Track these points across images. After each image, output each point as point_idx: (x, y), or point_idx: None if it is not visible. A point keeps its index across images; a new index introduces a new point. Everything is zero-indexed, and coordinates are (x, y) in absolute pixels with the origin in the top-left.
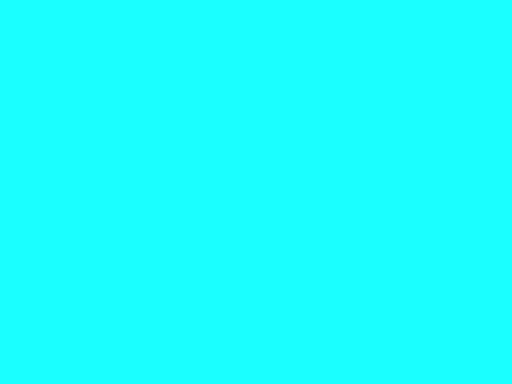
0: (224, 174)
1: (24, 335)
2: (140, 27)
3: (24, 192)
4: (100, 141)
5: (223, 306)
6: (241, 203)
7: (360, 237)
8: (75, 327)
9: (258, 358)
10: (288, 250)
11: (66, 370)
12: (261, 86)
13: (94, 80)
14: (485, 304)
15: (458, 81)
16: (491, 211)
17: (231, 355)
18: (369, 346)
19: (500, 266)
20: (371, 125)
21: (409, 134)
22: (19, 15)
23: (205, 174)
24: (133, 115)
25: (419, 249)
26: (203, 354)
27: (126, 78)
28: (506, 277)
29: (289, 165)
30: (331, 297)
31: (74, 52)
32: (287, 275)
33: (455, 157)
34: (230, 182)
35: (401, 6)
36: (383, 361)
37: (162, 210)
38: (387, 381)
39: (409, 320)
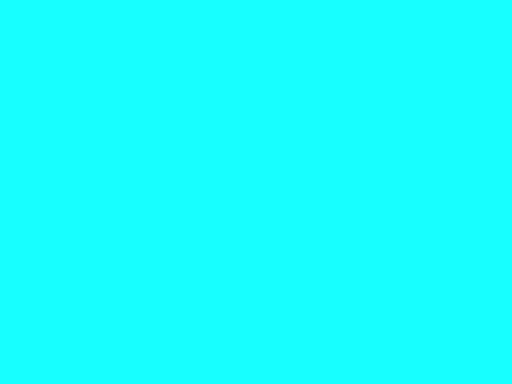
0: (224, 174)
1: (24, 335)
2: (140, 27)
3: (24, 192)
4: (100, 141)
5: (223, 306)
6: (241, 203)
7: (360, 237)
8: (75, 327)
9: (258, 358)
10: (288, 250)
11: (66, 370)
12: (261, 86)
13: (94, 80)
14: (485, 304)
15: (458, 81)
16: (491, 211)
17: (231, 355)
18: (369, 346)
19: (500, 266)
20: (371, 125)
21: (409, 134)
22: (19, 15)
23: (205, 173)
24: (133, 115)
25: (419, 249)
26: (203, 354)
27: (126, 78)
28: (506, 277)
29: (289, 165)
30: (331, 297)
31: (74, 52)
32: (287, 275)
33: (455, 157)
34: (229, 182)
35: (401, 6)
36: (383, 361)
37: (162, 210)
38: (387, 381)
39: (409, 320)
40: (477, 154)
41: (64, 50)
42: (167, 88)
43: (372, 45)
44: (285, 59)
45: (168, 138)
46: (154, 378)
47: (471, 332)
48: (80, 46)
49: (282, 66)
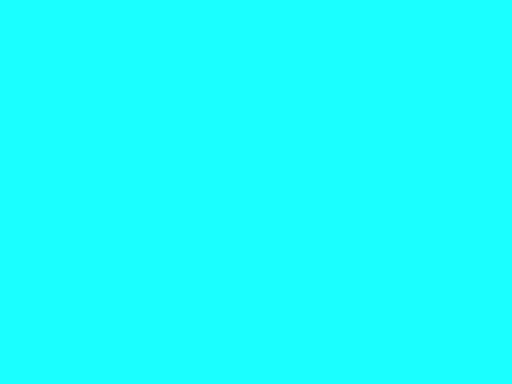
0: (224, 174)
1: (24, 335)
2: (140, 27)
3: (24, 192)
4: (100, 141)
5: (223, 306)
6: (241, 203)
7: (360, 237)
8: (75, 327)
9: (258, 358)
10: (288, 250)
11: (65, 370)
12: (261, 86)
13: (94, 80)
14: (485, 304)
15: (458, 81)
16: (491, 211)
17: (231, 355)
18: (369, 346)
19: (500, 266)
20: (371, 125)
21: (409, 135)
22: (19, 15)
23: (205, 174)
24: (133, 115)
25: (419, 249)
26: (203, 354)
27: (126, 79)
28: (506, 277)
29: (289, 165)
30: (331, 297)
31: (74, 52)
32: (287, 275)
33: (455, 157)
34: (229, 182)
35: (401, 6)
36: (383, 361)
37: (162, 210)
38: (387, 381)
39: (409, 320)
40: (477, 154)
41: (64, 50)
42: (167, 88)
43: (372, 45)
44: (285, 59)
45: (168, 137)
46: (154, 378)
47: (471, 332)
48: (80, 46)
49: (282, 66)
